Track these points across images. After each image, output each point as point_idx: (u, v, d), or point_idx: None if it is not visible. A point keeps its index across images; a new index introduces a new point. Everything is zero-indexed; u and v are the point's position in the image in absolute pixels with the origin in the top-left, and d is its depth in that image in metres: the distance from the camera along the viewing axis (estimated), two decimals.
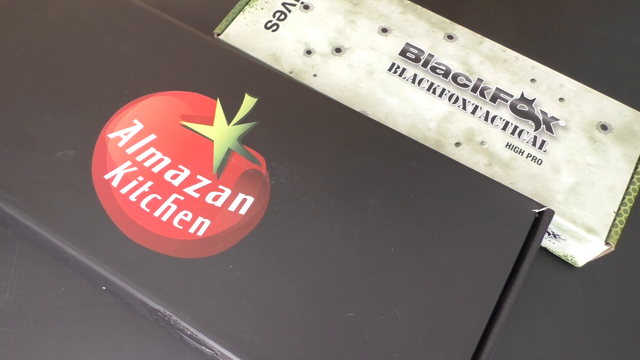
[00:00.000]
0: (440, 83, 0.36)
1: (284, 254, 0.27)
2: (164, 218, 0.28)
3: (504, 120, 0.35)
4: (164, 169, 0.29)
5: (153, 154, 0.29)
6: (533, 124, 0.35)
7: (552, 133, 0.34)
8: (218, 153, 0.29)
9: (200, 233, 0.27)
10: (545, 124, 0.35)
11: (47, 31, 0.32)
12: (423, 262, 0.27)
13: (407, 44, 0.37)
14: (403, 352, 0.25)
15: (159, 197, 0.28)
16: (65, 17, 0.33)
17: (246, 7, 0.38)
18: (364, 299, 0.26)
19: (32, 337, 0.32)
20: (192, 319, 0.26)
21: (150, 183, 0.29)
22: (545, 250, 0.36)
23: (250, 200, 0.28)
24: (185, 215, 0.28)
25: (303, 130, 0.30)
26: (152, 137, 0.30)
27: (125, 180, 0.29)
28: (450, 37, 0.37)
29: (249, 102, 0.31)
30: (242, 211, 0.28)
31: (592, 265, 0.36)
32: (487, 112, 0.35)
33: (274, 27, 0.37)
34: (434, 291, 0.27)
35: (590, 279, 0.35)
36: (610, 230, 0.32)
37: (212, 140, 0.30)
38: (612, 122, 0.35)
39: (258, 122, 0.30)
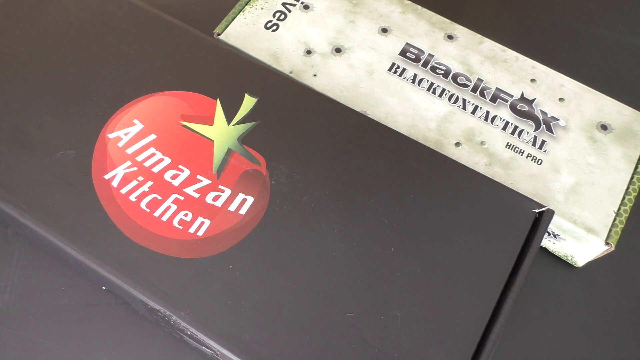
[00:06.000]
0: (440, 83, 0.36)
1: (284, 254, 0.27)
2: (164, 218, 0.28)
3: (504, 120, 0.35)
4: (164, 169, 0.29)
5: (153, 154, 0.29)
6: (533, 124, 0.35)
7: (552, 133, 0.34)
8: (218, 153, 0.29)
9: (200, 233, 0.27)
10: (545, 124, 0.35)
11: (47, 31, 0.32)
12: (423, 262, 0.27)
13: (407, 44, 0.37)
14: (403, 352, 0.25)
15: (159, 197, 0.28)
16: (65, 17, 0.33)
17: (246, 7, 0.38)
18: (364, 299, 0.26)
19: (32, 337, 0.32)
20: (192, 319, 0.26)
21: (150, 183, 0.29)
22: (545, 250, 0.36)
23: (250, 200, 0.28)
24: (185, 215, 0.28)
25: (303, 130, 0.30)
26: (152, 137, 0.30)
27: (125, 180, 0.29)
28: (450, 37, 0.37)
29: (249, 102, 0.31)
30: (242, 211, 0.28)
31: (592, 265, 0.36)
32: (487, 112, 0.35)
33: (274, 27, 0.37)
34: (434, 291, 0.27)
35: (590, 279, 0.35)
36: (610, 230, 0.32)
37: (212, 140, 0.30)
38: (612, 122, 0.35)
39: (258, 122, 0.30)
